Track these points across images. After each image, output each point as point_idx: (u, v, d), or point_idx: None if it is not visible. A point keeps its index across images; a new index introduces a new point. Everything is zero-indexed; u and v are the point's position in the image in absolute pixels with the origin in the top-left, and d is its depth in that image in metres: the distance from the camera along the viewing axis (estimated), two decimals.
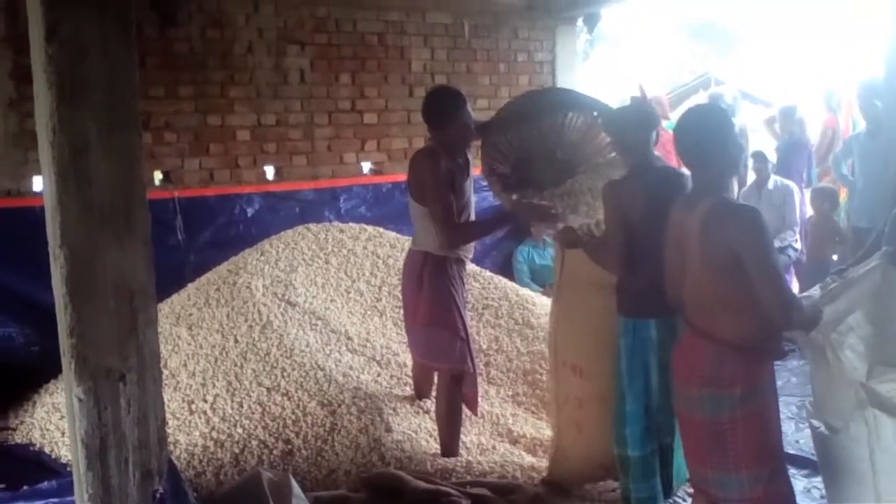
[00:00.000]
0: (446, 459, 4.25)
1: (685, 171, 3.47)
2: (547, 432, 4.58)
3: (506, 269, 7.11)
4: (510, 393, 5.10)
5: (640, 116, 3.77)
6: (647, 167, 3.66)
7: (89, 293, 2.68)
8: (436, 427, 4.56)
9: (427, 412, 4.72)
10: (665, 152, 8.39)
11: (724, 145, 2.96)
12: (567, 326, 4.05)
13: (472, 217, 4.43)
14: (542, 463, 4.30)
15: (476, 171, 4.54)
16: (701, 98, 11.96)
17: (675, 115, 9.46)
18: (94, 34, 2.66)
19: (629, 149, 3.73)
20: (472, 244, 4.46)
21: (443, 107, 4.23)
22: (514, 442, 4.59)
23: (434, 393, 4.64)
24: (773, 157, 7.90)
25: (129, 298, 2.76)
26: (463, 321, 4.32)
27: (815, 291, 3.27)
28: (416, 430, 4.53)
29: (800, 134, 8.06)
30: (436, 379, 4.58)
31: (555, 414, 4.17)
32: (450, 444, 4.35)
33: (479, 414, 4.66)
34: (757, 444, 2.93)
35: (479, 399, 4.63)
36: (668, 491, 3.83)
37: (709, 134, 2.98)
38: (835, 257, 6.85)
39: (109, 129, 2.69)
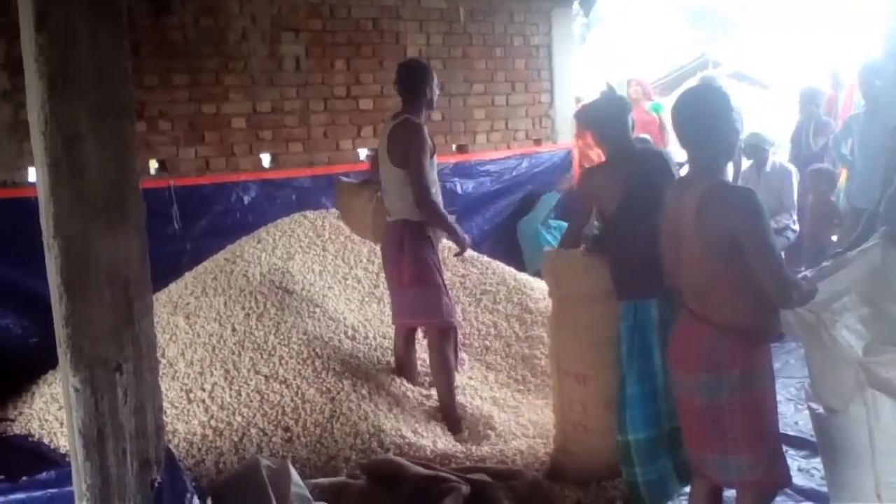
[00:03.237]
0: (446, 445, 4.27)
1: (664, 148, 3.66)
2: (546, 418, 4.58)
3: (507, 251, 7.09)
4: (509, 378, 5.11)
5: (613, 106, 3.95)
6: (626, 153, 3.83)
7: (84, 283, 2.67)
8: (436, 414, 4.62)
9: (428, 398, 4.72)
10: (646, 133, 8.38)
11: (721, 127, 2.94)
12: (568, 337, 4.05)
13: (439, 195, 4.68)
14: (543, 448, 4.30)
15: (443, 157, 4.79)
16: (697, 81, 11.94)
17: (672, 98, 9.47)
18: (85, 23, 2.63)
19: (608, 138, 3.91)
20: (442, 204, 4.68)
21: (419, 72, 4.62)
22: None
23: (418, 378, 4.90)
24: (780, 139, 7.90)
25: (124, 288, 2.75)
26: (443, 278, 4.62)
27: (808, 274, 3.26)
28: (417, 416, 4.53)
29: (823, 115, 7.99)
30: (417, 359, 4.90)
31: (558, 416, 4.16)
32: (446, 397, 4.60)
33: (460, 370, 4.98)
34: (756, 427, 2.93)
35: (461, 356, 5.03)
36: (686, 475, 3.82)
37: (705, 115, 2.96)
38: (834, 238, 6.85)
39: (102, 118, 2.67)
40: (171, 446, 3.99)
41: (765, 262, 2.77)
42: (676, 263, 3.05)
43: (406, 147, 4.43)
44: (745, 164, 7.31)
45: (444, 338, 4.62)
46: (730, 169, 7.22)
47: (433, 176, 4.57)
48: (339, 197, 5.17)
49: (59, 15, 2.58)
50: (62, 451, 4.26)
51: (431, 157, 4.55)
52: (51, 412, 4.63)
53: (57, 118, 2.59)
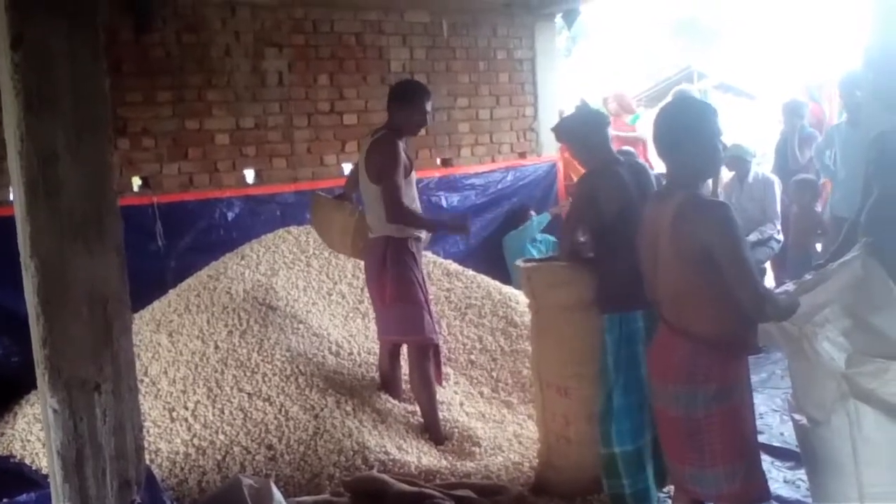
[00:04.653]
0: (430, 460, 4.26)
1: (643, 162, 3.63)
2: (531, 432, 4.57)
3: (492, 265, 7.08)
4: (494, 392, 5.10)
5: (590, 118, 4.00)
6: (612, 164, 3.78)
7: (61, 303, 2.65)
8: (421, 429, 4.62)
9: (413, 413, 4.70)
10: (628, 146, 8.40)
11: (696, 140, 2.94)
12: (548, 348, 4.06)
13: (419, 210, 4.70)
14: (528, 463, 4.29)
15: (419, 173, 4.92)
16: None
17: (656, 110, 9.48)
18: (61, 42, 2.63)
19: (590, 151, 3.90)
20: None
21: (412, 90, 4.62)
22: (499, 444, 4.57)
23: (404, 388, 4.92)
24: (766, 150, 7.88)
25: (102, 307, 2.73)
26: (425, 296, 4.62)
27: (790, 287, 3.26)
28: (401, 432, 4.51)
29: (807, 127, 7.99)
30: (402, 375, 4.89)
31: (542, 429, 4.16)
32: (429, 412, 4.62)
33: (444, 385, 5.00)
34: (732, 440, 2.93)
35: (445, 371, 5.07)
36: (663, 481, 3.82)
37: (681, 128, 2.97)
38: (818, 248, 6.86)
39: (79, 136, 2.66)
40: (153, 466, 3.98)
41: (739, 276, 2.78)
42: (654, 276, 3.05)
43: (379, 163, 4.43)
44: (728, 175, 7.32)
45: (423, 355, 4.61)
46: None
47: (411, 192, 4.56)
48: (317, 211, 5.12)
49: (35, 34, 2.58)
50: (45, 472, 4.22)
51: (408, 173, 4.52)
52: (33, 433, 4.59)
53: (33, 137, 2.59)
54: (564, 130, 4.03)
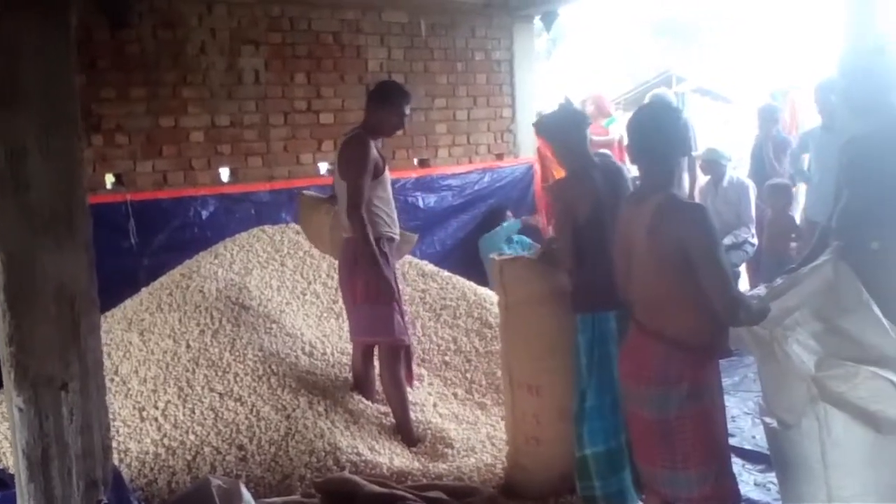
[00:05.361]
0: (402, 462, 4.24)
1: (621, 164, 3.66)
2: (504, 434, 4.56)
3: (469, 266, 7.07)
4: (468, 393, 5.09)
5: (572, 117, 3.97)
6: (590, 165, 3.78)
7: (29, 300, 2.63)
8: (394, 431, 4.60)
9: (386, 414, 4.69)
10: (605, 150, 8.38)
11: (673, 142, 2.98)
12: (518, 346, 4.06)
13: (394, 214, 4.67)
14: (500, 464, 4.29)
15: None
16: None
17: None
18: (31, 36, 2.62)
19: (568, 150, 3.89)
20: (396, 221, 4.70)
21: (392, 91, 4.62)
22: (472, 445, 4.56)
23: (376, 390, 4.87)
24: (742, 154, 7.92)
25: (70, 305, 2.71)
26: (397, 296, 4.60)
27: (761, 290, 3.28)
28: (374, 433, 4.50)
29: (781, 132, 8.04)
30: (376, 376, 4.81)
31: (511, 430, 4.16)
32: (401, 413, 4.61)
33: (416, 387, 4.97)
34: (704, 442, 2.95)
35: (417, 371, 5.03)
36: (641, 485, 3.83)
37: (653, 131, 3.01)
38: (793, 253, 6.89)
39: (48, 132, 2.65)
40: (122, 465, 3.95)
41: (713, 279, 2.80)
42: (628, 277, 3.06)
43: (348, 162, 4.44)
44: (703, 179, 7.35)
45: (394, 356, 4.61)
46: (686, 183, 7.28)
47: (381, 193, 4.55)
48: (301, 210, 5.13)
49: (5, 28, 2.56)
50: (11, 471, 4.16)
51: (381, 173, 4.53)
52: (0, 431, 4.53)
53: (1, 131, 2.57)
54: (544, 128, 4.04)
